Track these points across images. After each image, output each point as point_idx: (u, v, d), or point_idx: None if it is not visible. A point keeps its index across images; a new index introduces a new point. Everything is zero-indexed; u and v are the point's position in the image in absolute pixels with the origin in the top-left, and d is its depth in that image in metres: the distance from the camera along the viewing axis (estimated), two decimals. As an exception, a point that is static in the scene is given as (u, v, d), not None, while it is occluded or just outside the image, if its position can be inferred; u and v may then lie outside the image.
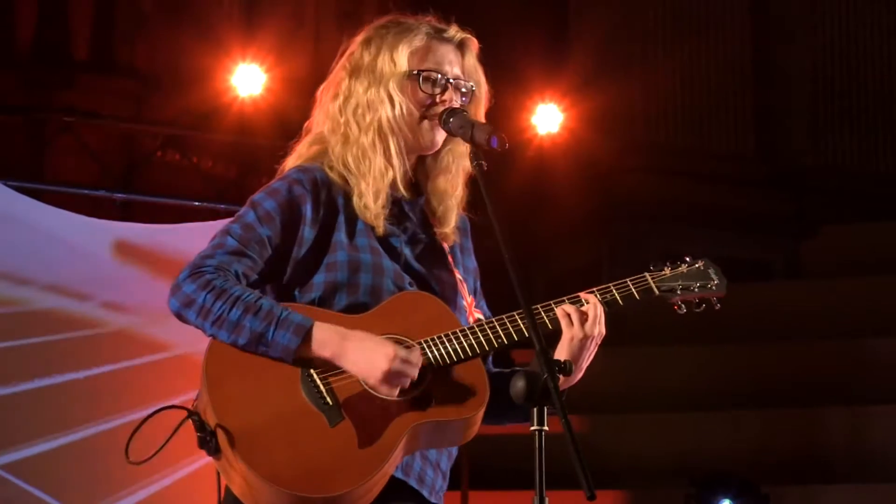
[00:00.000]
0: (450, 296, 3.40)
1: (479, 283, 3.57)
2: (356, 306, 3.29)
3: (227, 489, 3.27)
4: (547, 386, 2.96)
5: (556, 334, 3.35)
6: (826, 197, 10.96)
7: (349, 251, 3.33)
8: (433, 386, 3.23)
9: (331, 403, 3.20)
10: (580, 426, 8.44)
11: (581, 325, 3.32)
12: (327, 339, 3.21)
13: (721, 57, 10.95)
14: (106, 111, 8.80)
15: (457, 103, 3.40)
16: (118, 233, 7.40)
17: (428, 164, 3.47)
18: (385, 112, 3.38)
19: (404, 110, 3.38)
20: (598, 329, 3.35)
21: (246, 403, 3.21)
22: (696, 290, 3.45)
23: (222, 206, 8.08)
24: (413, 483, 3.29)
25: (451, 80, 3.40)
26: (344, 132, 3.41)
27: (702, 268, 3.48)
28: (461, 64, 3.44)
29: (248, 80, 8.34)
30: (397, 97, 3.38)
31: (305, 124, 3.55)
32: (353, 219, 3.36)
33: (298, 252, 3.33)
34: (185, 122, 8.70)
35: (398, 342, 3.24)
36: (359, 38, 3.47)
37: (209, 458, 3.26)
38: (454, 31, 3.46)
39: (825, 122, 11.17)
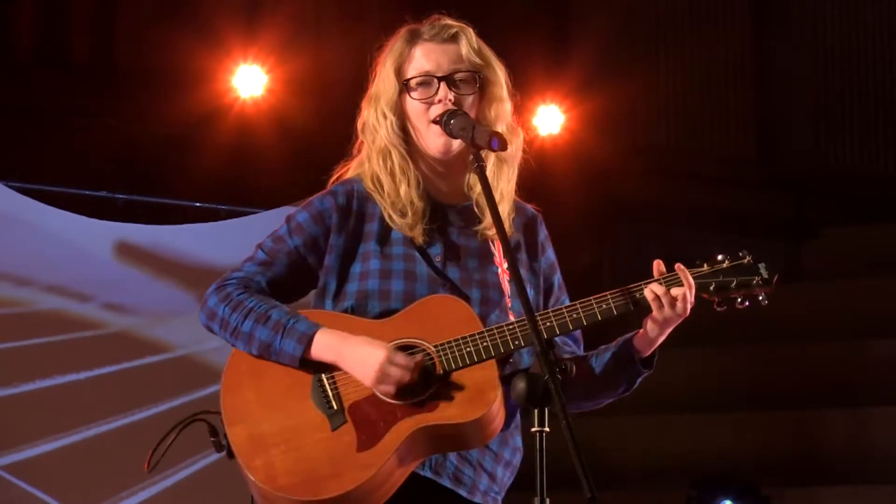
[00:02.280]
0: (493, 298, 3.39)
1: (556, 278, 3.56)
2: (389, 312, 3.34)
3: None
4: (548, 387, 2.96)
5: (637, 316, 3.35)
6: (827, 199, 10.96)
7: (381, 259, 3.37)
8: (442, 390, 3.25)
9: (335, 408, 3.26)
10: (581, 427, 8.43)
11: (671, 307, 3.30)
12: (329, 345, 3.28)
13: (722, 59, 10.94)
14: (107, 112, 8.80)
15: (468, 97, 3.40)
16: (119, 234, 7.41)
17: (468, 165, 3.47)
18: (383, 132, 3.42)
19: (395, 126, 3.41)
20: (688, 307, 3.32)
21: (256, 410, 3.29)
22: (734, 286, 3.39)
23: (223, 207, 8.08)
24: (447, 483, 3.31)
25: (445, 77, 3.40)
26: (367, 156, 3.47)
27: (749, 262, 3.41)
28: (455, 56, 3.43)
29: (249, 81, 8.35)
30: (389, 114, 3.43)
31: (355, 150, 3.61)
32: (389, 229, 3.40)
33: (329, 260, 3.39)
34: (186, 122, 8.70)
35: (406, 347, 3.26)
36: (379, 59, 3.51)
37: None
38: (440, 27, 3.45)
39: (826, 125, 11.17)
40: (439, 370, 3.25)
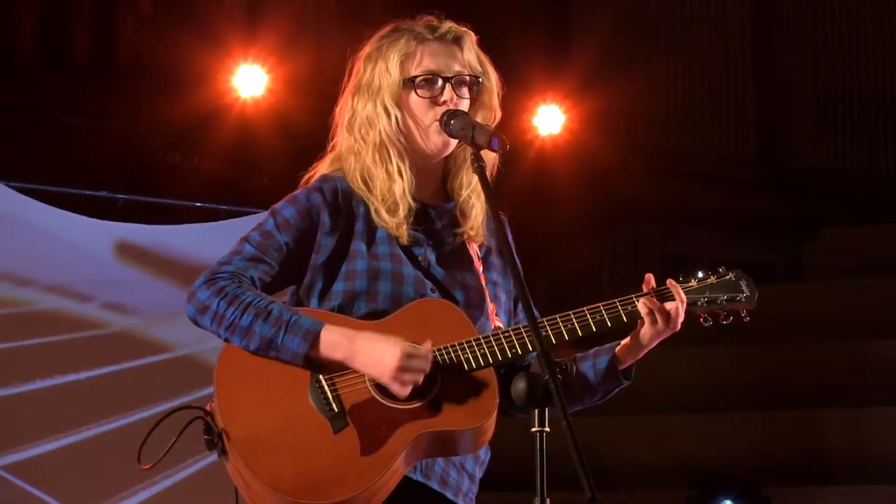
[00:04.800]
0: (475, 301, 3.39)
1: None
2: (375, 314, 3.30)
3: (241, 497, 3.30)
4: (548, 387, 2.96)
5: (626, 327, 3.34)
6: (827, 199, 10.96)
7: (368, 260, 3.34)
8: (442, 395, 3.23)
9: (336, 410, 3.22)
10: (581, 428, 8.43)
11: (665, 322, 3.31)
12: (336, 341, 3.22)
13: (722, 59, 10.94)
14: (107, 112, 8.80)
15: (464, 100, 3.40)
16: (119, 234, 7.41)
17: (449, 165, 3.46)
18: (382, 126, 3.38)
19: (400, 121, 3.38)
20: (679, 322, 3.34)
21: (253, 408, 3.24)
22: (724, 302, 3.41)
23: (223, 207, 8.08)
24: (435, 485, 3.30)
25: (450, 78, 3.39)
26: (355, 150, 3.43)
27: (732, 279, 3.44)
28: (459, 59, 3.42)
29: (249, 80, 8.34)
30: (392, 109, 3.38)
31: (329, 146, 3.56)
32: (374, 227, 3.37)
33: (317, 259, 3.35)
34: (187, 122, 8.70)
35: None
36: (362, 54, 3.47)
37: (210, 460, 3.30)
38: (446, 29, 3.45)
39: (826, 124, 11.17)
40: (445, 373, 3.24)
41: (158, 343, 7.23)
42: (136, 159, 8.90)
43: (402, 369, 3.18)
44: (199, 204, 8.11)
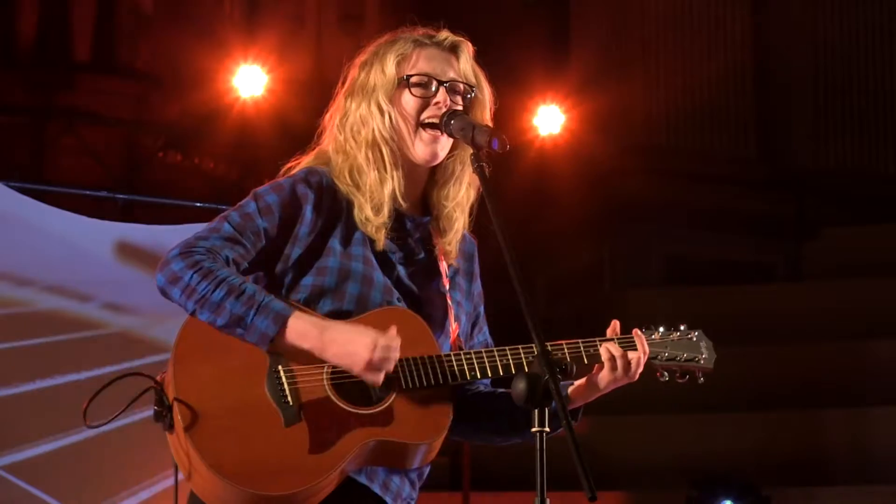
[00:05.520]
0: (438, 318, 3.37)
1: (482, 308, 3.54)
2: (339, 313, 3.27)
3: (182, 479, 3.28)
4: (548, 387, 2.95)
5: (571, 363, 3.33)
6: (827, 199, 10.97)
7: (341, 258, 3.32)
8: (397, 405, 3.22)
9: (290, 403, 3.18)
10: (581, 428, 8.43)
11: (625, 370, 3.32)
12: (306, 331, 3.19)
13: (722, 59, 10.95)
14: (107, 112, 8.81)
15: (457, 108, 3.38)
16: (120, 234, 7.40)
17: (436, 176, 3.45)
18: (376, 124, 3.36)
19: (394, 120, 3.36)
20: (638, 372, 3.35)
21: (207, 386, 3.19)
22: (682, 360, 3.41)
23: (224, 206, 8.06)
24: (377, 489, 3.29)
25: (445, 83, 3.38)
26: (344, 149, 3.40)
27: (694, 339, 3.43)
28: (454, 67, 3.42)
29: (249, 81, 8.34)
30: (386, 107, 3.37)
31: (313, 143, 3.54)
32: (352, 227, 3.35)
33: (291, 250, 3.32)
34: (187, 122, 8.72)
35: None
36: (358, 61, 3.46)
37: (157, 420, 3.24)
38: (444, 36, 3.44)
39: (826, 125, 11.18)
40: (402, 384, 3.23)
41: (158, 343, 7.23)
42: (137, 159, 8.92)
43: (376, 361, 3.18)
44: (199, 204, 8.11)
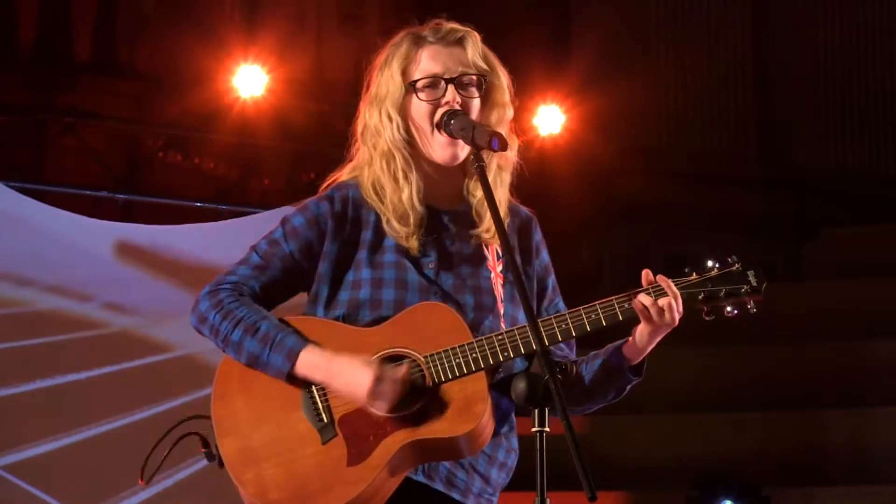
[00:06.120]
0: (486, 303, 3.37)
1: (550, 281, 3.53)
2: (380, 321, 3.31)
3: None
4: (548, 387, 2.95)
5: (625, 324, 3.32)
6: (827, 199, 10.96)
7: (373, 269, 3.34)
8: (430, 402, 3.23)
9: (325, 421, 3.25)
10: (581, 428, 8.44)
11: (660, 317, 3.29)
12: (316, 364, 3.27)
13: (722, 58, 10.95)
14: (107, 112, 8.81)
15: (474, 100, 3.38)
16: (120, 234, 7.41)
17: (465, 167, 3.43)
18: (386, 134, 3.39)
19: (401, 128, 3.38)
20: (676, 316, 3.31)
21: (246, 421, 3.29)
22: (724, 295, 3.35)
23: (224, 206, 8.08)
24: (440, 486, 3.30)
25: (453, 80, 3.38)
26: (369, 161, 3.43)
27: (738, 269, 3.36)
28: (462, 60, 3.41)
29: (249, 81, 8.34)
30: (395, 116, 3.38)
31: (349, 157, 3.56)
32: (381, 235, 3.37)
33: (322, 267, 3.36)
34: (187, 123, 8.71)
35: (395, 357, 3.25)
36: (376, 63, 3.47)
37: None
38: (448, 30, 3.44)
39: (826, 124, 11.18)
40: (428, 382, 3.24)
41: (158, 343, 7.24)
42: (137, 159, 8.91)
43: (376, 393, 3.21)
44: (199, 204, 8.12)
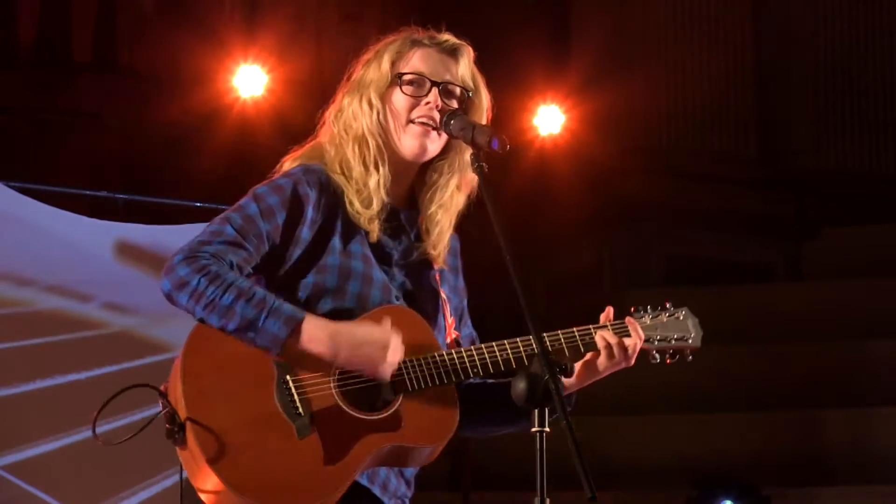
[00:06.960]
0: (432, 313, 3.38)
1: (465, 303, 3.55)
2: (341, 312, 3.27)
3: (187, 480, 3.24)
4: (548, 387, 2.96)
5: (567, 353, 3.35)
6: (827, 199, 10.97)
7: (341, 257, 3.32)
8: (405, 408, 3.22)
9: (302, 414, 3.18)
10: (581, 428, 8.44)
11: (622, 357, 3.35)
12: (317, 334, 3.18)
13: (722, 58, 10.95)
14: (107, 112, 8.81)
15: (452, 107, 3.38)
16: (120, 233, 7.40)
17: (425, 177, 3.45)
18: (364, 119, 3.38)
19: (380, 115, 3.38)
20: (632, 361, 3.38)
21: (218, 401, 3.18)
22: (674, 341, 3.46)
23: (223, 207, 8.06)
24: (377, 491, 3.30)
25: (439, 84, 3.38)
26: (336, 142, 3.42)
27: (681, 318, 3.48)
28: (452, 70, 3.41)
29: (249, 81, 8.35)
30: (376, 102, 3.38)
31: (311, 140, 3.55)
32: (350, 224, 3.36)
33: (293, 251, 3.32)
34: (187, 122, 8.71)
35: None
36: (362, 59, 3.47)
37: (169, 439, 3.24)
38: (444, 38, 3.44)
39: (826, 124, 11.18)
40: (408, 386, 3.23)
41: (158, 343, 7.23)
42: (136, 159, 8.91)
43: (390, 360, 3.18)
44: (199, 204, 8.11)
